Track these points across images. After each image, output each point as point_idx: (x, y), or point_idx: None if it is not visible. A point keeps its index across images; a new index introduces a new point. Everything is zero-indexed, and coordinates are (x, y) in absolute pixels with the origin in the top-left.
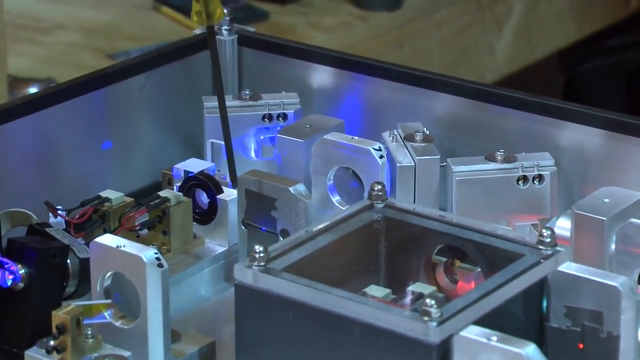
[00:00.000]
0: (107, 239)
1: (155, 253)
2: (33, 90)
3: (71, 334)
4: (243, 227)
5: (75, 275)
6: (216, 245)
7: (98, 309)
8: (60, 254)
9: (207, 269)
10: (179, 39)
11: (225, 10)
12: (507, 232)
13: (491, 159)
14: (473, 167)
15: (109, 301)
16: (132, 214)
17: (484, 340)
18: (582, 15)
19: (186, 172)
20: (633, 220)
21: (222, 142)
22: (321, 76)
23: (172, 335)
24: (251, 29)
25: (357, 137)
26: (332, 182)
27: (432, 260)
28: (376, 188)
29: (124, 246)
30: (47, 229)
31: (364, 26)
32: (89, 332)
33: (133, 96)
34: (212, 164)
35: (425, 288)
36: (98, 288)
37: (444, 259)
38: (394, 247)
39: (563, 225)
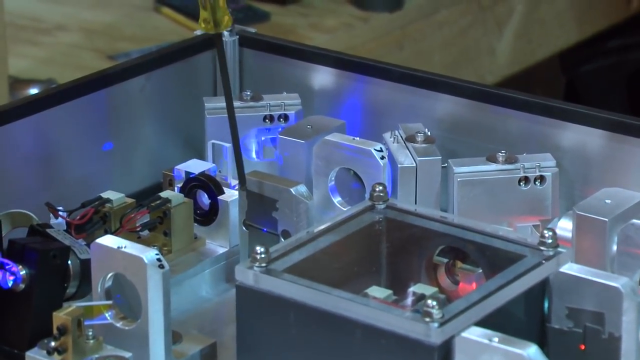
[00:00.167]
0: (108, 240)
1: (157, 254)
2: (34, 91)
3: (72, 335)
4: (244, 228)
5: (76, 276)
6: (217, 246)
7: (99, 310)
8: (61, 255)
9: (208, 270)
10: (179, 40)
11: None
12: (508, 233)
13: (492, 160)
14: (474, 168)
15: (110, 302)
16: (133, 215)
17: (486, 341)
18: (583, 16)
19: (187, 173)
20: (635, 221)
21: (223, 143)
22: (322, 77)
23: (173, 336)
24: (252, 29)
25: (358, 138)
26: (333, 183)
27: (434, 261)
28: (377, 189)
29: (125, 247)
30: (48, 230)
31: (365, 27)
32: (90, 333)
33: (134, 97)
34: (213, 164)
35: (427, 289)
36: (99, 289)
37: (445, 260)
38: (395, 248)
39: (564, 227)
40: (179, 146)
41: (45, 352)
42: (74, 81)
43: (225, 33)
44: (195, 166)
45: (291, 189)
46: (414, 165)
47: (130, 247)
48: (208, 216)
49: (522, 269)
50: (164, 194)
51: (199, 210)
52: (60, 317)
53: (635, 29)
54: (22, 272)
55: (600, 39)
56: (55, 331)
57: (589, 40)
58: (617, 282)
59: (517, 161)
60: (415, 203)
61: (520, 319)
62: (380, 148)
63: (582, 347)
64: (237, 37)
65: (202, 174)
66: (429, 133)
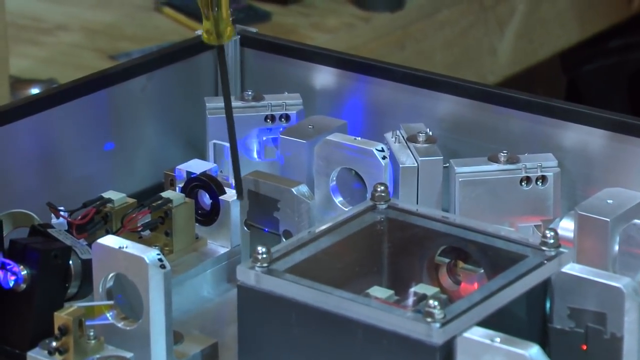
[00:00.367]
0: (110, 240)
1: (158, 254)
2: (35, 91)
3: (73, 335)
4: (245, 228)
5: (78, 276)
6: (219, 247)
7: (100, 310)
8: (63, 255)
9: (210, 270)
10: (181, 39)
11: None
12: (510, 233)
13: (494, 160)
14: (476, 168)
15: (111, 302)
16: (134, 215)
17: (487, 341)
18: (584, 16)
19: (188, 173)
20: (636, 221)
21: (225, 143)
22: (323, 77)
23: (175, 337)
24: (253, 29)
25: (359, 138)
26: (334, 183)
27: (435, 261)
28: (379, 189)
29: (126, 247)
30: (49, 230)
31: (366, 27)
32: (91, 334)
33: (135, 97)
34: (215, 164)
35: (428, 289)
36: (100, 289)
37: (447, 260)
38: (396, 248)
39: (566, 227)
40: (180, 146)
41: (46, 352)
42: (75, 81)
43: None
44: (197, 166)
45: (292, 189)
46: (416, 165)
47: (131, 247)
48: (209, 216)
49: (523, 269)
50: (165, 194)
51: (200, 210)
52: (61, 317)
53: (636, 29)
54: (24, 272)
55: (601, 39)
56: (56, 331)
57: (590, 40)
58: (619, 282)
59: (518, 161)
60: (417, 203)
61: (522, 319)
62: (382, 148)
63: (584, 347)
64: (239, 37)
65: (204, 174)
66: (430, 133)
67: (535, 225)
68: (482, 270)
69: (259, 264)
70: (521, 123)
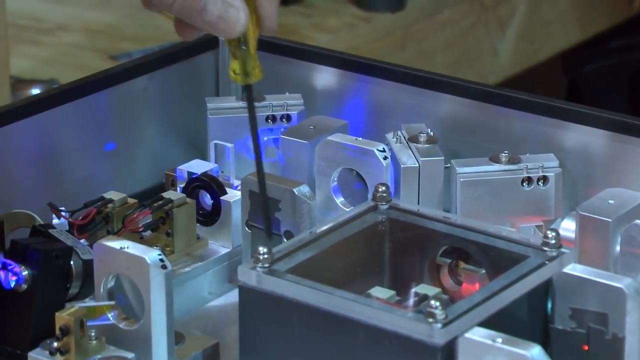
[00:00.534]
0: (111, 241)
1: (159, 254)
2: (36, 91)
3: (74, 335)
4: (247, 229)
5: (79, 276)
6: (220, 247)
7: (101, 311)
8: (64, 255)
9: (211, 270)
10: (182, 40)
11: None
12: (511, 234)
13: (495, 160)
14: (477, 168)
15: (112, 303)
16: (135, 216)
17: (489, 342)
18: (585, 16)
19: (190, 173)
20: (638, 221)
21: (226, 143)
22: (325, 77)
23: (176, 337)
24: None
25: (361, 139)
26: (336, 183)
27: (437, 261)
28: (380, 189)
29: (127, 248)
30: (50, 231)
31: (367, 27)
32: (93, 334)
33: (136, 97)
34: (216, 165)
35: (430, 289)
36: (101, 289)
37: (448, 261)
38: (398, 249)
39: (568, 227)
40: (182, 146)
41: (47, 352)
42: (76, 81)
43: None
44: (198, 166)
45: (294, 190)
46: (417, 165)
47: (132, 247)
48: (210, 216)
49: (525, 270)
50: (167, 194)
51: (202, 210)
52: (62, 317)
53: (637, 29)
54: (25, 273)
55: (602, 39)
56: (57, 332)
57: (591, 40)
58: (620, 282)
59: (520, 161)
60: (418, 203)
61: (524, 319)
62: (383, 148)
63: (586, 347)
64: None
65: (205, 174)
66: (431, 133)
67: (536, 226)
68: (484, 271)
69: (260, 265)
70: (522, 123)
